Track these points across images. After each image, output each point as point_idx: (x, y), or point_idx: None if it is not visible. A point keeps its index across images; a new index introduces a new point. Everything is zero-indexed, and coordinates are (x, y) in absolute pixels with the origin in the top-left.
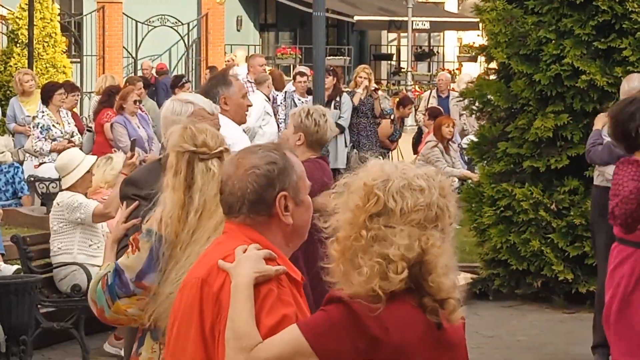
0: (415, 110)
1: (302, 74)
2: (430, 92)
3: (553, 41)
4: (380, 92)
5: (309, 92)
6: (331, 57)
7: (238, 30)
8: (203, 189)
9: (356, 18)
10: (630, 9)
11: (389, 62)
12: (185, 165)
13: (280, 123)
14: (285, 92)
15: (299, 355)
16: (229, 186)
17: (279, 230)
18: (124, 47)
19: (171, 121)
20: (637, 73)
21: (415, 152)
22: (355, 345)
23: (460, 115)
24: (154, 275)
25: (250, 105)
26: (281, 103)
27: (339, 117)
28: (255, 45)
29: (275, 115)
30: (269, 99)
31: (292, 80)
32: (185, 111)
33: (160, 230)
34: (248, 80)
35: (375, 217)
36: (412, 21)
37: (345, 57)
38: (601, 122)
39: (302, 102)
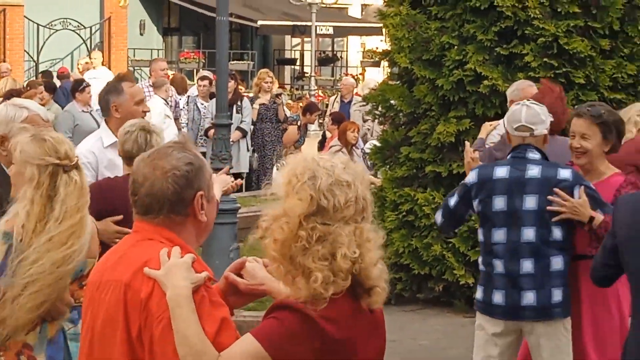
0: (321, 115)
1: (204, 78)
2: (336, 97)
3: (456, 47)
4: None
5: (211, 96)
6: (235, 62)
7: (141, 34)
8: (65, 199)
9: (260, 23)
10: (532, 15)
11: (293, 66)
12: (48, 178)
13: (183, 127)
14: (188, 96)
15: None
16: (145, 188)
17: (193, 229)
18: (25, 51)
19: (5, 125)
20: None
21: None
22: (312, 347)
23: (365, 120)
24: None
25: (147, 111)
26: (184, 107)
27: (241, 122)
28: (158, 49)
29: (177, 119)
30: (168, 103)
31: (195, 85)
32: (19, 116)
33: (15, 237)
34: (148, 85)
35: (310, 217)
36: (316, 26)
37: (249, 62)
38: (485, 131)
39: (205, 106)
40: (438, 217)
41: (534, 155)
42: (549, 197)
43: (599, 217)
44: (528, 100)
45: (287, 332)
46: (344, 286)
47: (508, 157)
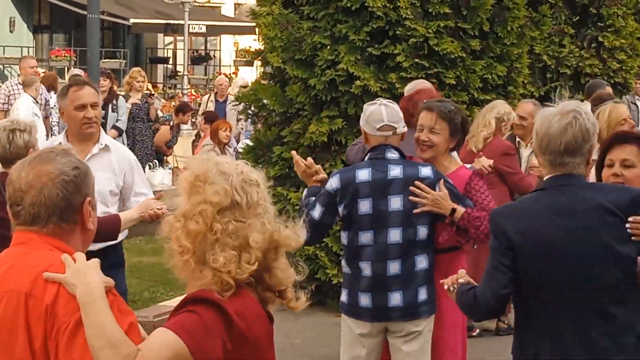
0: (194, 114)
1: (77, 76)
2: (209, 96)
3: (328, 46)
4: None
5: None
6: (106, 60)
7: (11, 32)
8: None
9: (132, 21)
10: (404, 16)
11: (165, 65)
12: None
13: (54, 126)
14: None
15: (180, 358)
16: (31, 196)
17: (80, 237)
18: None
19: None
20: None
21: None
22: (224, 343)
23: (239, 120)
24: None
25: (90, 117)
26: (55, 105)
27: (117, 120)
28: (28, 47)
29: (48, 118)
30: (37, 102)
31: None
32: None
33: None
34: (17, 83)
35: (225, 211)
36: (189, 25)
37: (121, 60)
38: None
39: None
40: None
41: (393, 154)
42: (411, 188)
43: (460, 209)
44: (382, 99)
45: (204, 325)
46: (249, 270)
47: (366, 158)
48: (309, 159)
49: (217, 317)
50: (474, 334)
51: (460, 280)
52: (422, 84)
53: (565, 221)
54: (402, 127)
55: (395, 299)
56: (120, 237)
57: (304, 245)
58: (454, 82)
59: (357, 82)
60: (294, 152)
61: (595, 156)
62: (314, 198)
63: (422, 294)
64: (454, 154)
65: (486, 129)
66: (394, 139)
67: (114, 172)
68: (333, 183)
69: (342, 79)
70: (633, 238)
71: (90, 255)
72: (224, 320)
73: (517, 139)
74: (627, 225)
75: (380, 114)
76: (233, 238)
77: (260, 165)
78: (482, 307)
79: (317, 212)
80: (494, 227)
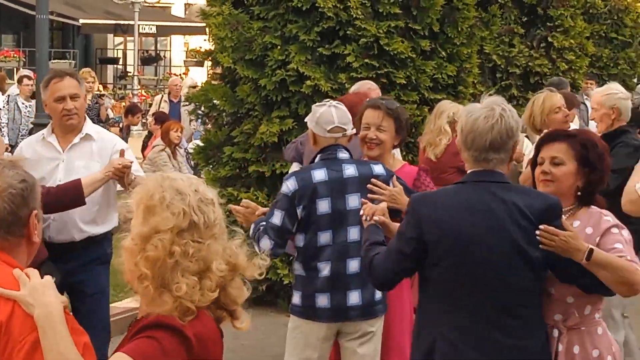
0: (144, 114)
1: (28, 77)
2: (162, 97)
3: (278, 47)
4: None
5: (33, 96)
6: (56, 61)
7: None
8: None
9: (82, 21)
10: (354, 16)
11: (115, 66)
12: None
13: (3, 127)
14: (9, 95)
15: None
16: None
17: (26, 251)
18: None
19: None
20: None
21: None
22: None
23: (191, 120)
24: None
25: (69, 109)
26: (3, 107)
27: None
28: None
29: None
30: None
31: (17, 84)
32: None
33: None
34: None
35: (183, 233)
36: (139, 25)
37: (70, 61)
38: None
39: (26, 105)
40: (265, 244)
41: (344, 154)
42: (368, 186)
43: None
44: (331, 100)
45: (164, 351)
46: (211, 297)
47: (317, 159)
48: (244, 201)
49: (177, 343)
50: None
51: (375, 219)
52: (366, 85)
53: (478, 217)
54: (351, 129)
55: (354, 297)
56: (104, 229)
57: (273, 256)
58: (404, 82)
59: (308, 82)
60: (231, 206)
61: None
62: (263, 223)
63: (378, 293)
64: (397, 151)
65: (444, 136)
66: (343, 140)
67: (94, 160)
68: (290, 185)
69: (293, 79)
70: (541, 246)
71: (72, 247)
72: (184, 346)
73: None
74: (538, 232)
75: (330, 115)
76: (193, 262)
77: (211, 166)
78: (373, 277)
79: (277, 218)
80: (409, 211)
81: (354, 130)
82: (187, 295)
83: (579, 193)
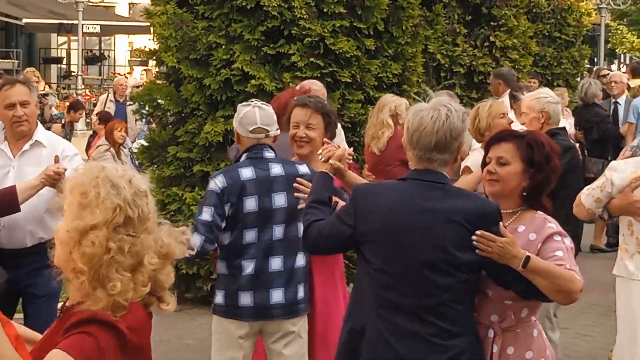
0: (88, 114)
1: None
2: (107, 96)
3: (223, 46)
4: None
5: None
6: None
7: None
8: None
9: (25, 21)
10: (299, 15)
11: (59, 65)
12: None
13: None
14: None
15: None
16: None
17: None
18: None
19: None
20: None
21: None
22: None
23: (137, 120)
24: None
25: (20, 115)
26: None
27: None
28: None
29: None
30: None
31: None
32: None
33: None
34: None
35: (119, 228)
36: (83, 24)
37: (13, 61)
38: None
39: None
40: (195, 240)
41: (270, 153)
42: (295, 185)
43: (341, 202)
44: (256, 100)
45: (100, 347)
46: (144, 292)
47: (243, 157)
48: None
49: (112, 338)
50: None
51: (331, 162)
52: (312, 85)
53: (411, 216)
54: (275, 130)
55: (277, 295)
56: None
57: (203, 254)
58: (349, 81)
59: (253, 82)
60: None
61: None
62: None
63: (301, 292)
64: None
65: (387, 129)
66: (267, 141)
67: (44, 166)
68: (219, 182)
69: (237, 78)
70: (477, 252)
71: (23, 253)
72: (119, 340)
73: None
74: (474, 237)
75: (253, 116)
76: (127, 257)
77: (155, 166)
78: (307, 239)
79: (207, 214)
80: (350, 200)
81: (278, 132)
82: (121, 294)
83: (524, 194)
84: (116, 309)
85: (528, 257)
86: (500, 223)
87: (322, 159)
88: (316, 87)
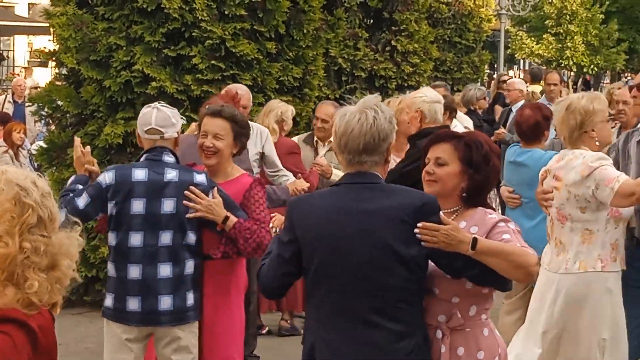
0: None
1: None
2: (6, 97)
3: (123, 48)
4: None
5: None
6: None
7: None
8: None
9: None
10: (200, 17)
11: None
12: None
13: None
14: None
15: None
16: None
17: None
18: None
19: None
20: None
21: None
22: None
23: (36, 121)
24: None
25: None
26: None
27: None
28: None
29: None
30: None
31: None
32: None
33: None
34: None
35: (32, 229)
36: None
37: None
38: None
39: None
40: (61, 216)
41: (169, 158)
42: (185, 193)
43: (233, 218)
44: (159, 102)
45: (16, 346)
46: (62, 294)
47: (142, 158)
48: (87, 147)
49: (26, 338)
50: (263, 332)
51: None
52: (239, 89)
53: (348, 219)
54: (171, 132)
55: (166, 302)
56: None
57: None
58: (250, 84)
59: (153, 84)
60: (76, 138)
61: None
62: (81, 187)
63: (190, 299)
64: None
65: (272, 135)
66: (165, 142)
67: None
68: (107, 178)
69: (138, 80)
70: (423, 244)
71: None
72: (31, 340)
73: (315, 138)
74: (416, 230)
75: (149, 117)
76: (41, 257)
77: (55, 168)
78: (261, 285)
79: (82, 202)
80: (286, 216)
81: (174, 135)
82: (37, 295)
83: (464, 194)
84: (26, 305)
85: (475, 239)
86: (441, 212)
87: (276, 231)
88: (242, 91)
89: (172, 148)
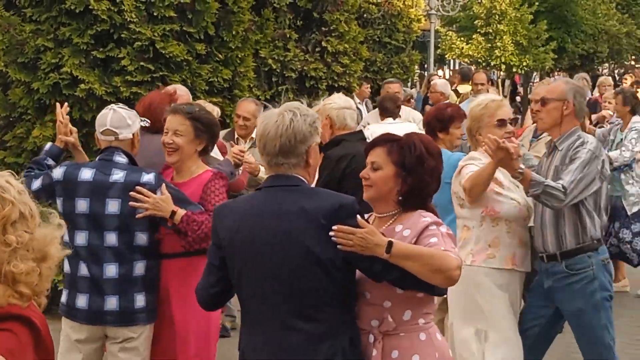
0: None
1: None
2: None
3: (52, 50)
4: None
5: None
6: None
7: None
8: None
9: None
10: (128, 19)
11: None
12: None
13: None
14: None
15: None
16: None
17: None
18: None
19: None
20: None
21: None
22: (35, 356)
23: None
24: None
25: None
26: None
27: None
28: None
29: None
30: None
31: None
32: None
33: None
34: None
35: (15, 224)
36: None
37: None
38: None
39: None
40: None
41: (121, 158)
42: (131, 194)
43: (181, 211)
44: (116, 104)
45: (22, 344)
46: (47, 288)
47: (97, 159)
48: (67, 117)
49: (30, 334)
50: None
51: None
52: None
53: (268, 222)
54: (126, 133)
55: (111, 303)
56: None
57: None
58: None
59: (82, 86)
60: (58, 105)
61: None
62: (51, 161)
63: (140, 301)
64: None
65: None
66: (120, 143)
67: None
68: (58, 173)
69: (66, 82)
70: (338, 247)
71: None
72: (35, 336)
73: (237, 136)
74: (332, 233)
75: (105, 118)
76: (30, 251)
77: None
78: (198, 297)
79: (35, 185)
80: (212, 219)
81: (129, 136)
82: (25, 277)
83: (400, 197)
84: (20, 299)
85: (391, 243)
86: (358, 215)
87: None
88: (181, 92)
89: (127, 149)
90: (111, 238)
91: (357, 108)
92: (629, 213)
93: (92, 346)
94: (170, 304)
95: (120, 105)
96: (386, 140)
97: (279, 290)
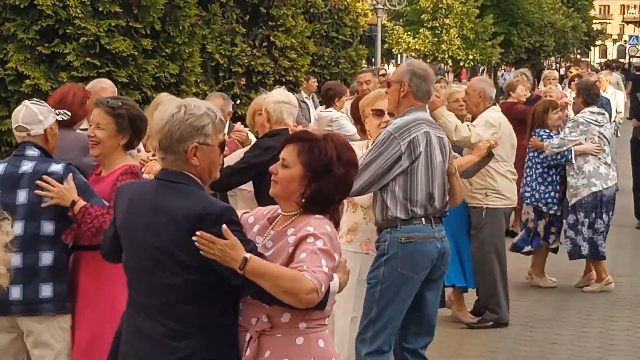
0: None
1: None
2: None
3: None
4: None
5: None
6: None
7: None
8: None
9: None
10: (74, 14)
11: None
12: None
13: None
14: None
15: None
16: None
17: None
18: None
19: None
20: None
21: None
22: None
23: None
24: None
25: None
26: None
27: None
28: None
29: None
30: None
31: None
32: None
33: None
34: None
35: None
36: None
37: None
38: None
39: None
40: None
41: (33, 152)
42: (37, 182)
43: (81, 203)
44: (30, 100)
45: None
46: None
47: (13, 154)
48: None
49: None
50: None
51: None
52: (99, 84)
53: (143, 214)
54: (37, 129)
55: (15, 292)
56: None
57: None
58: (127, 81)
59: (27, 82)
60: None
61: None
62: None
63: (47, 291)
64: (134, 152)
65: None
66: (33, 139)
67: None
68: None
69: (12, 78)
70: (201, 252)
71: None
72: None
73: None
74: (194, 238)
75: (18, 114)
76: None
77: None
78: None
79: None
80: (115, 200)
81: (40, 131)
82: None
83: (302, 200)
84: None
85: (246, 260)
86: (224, 225)
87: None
88: (105, 85)
89: (41, 143)
90: (18, 227)
91: (304, 102)
92: (569, 205)
93: (8, 336)
94: (77, 295)
95: (35, 100)
96: (299, 138)
97: (144, 282)
